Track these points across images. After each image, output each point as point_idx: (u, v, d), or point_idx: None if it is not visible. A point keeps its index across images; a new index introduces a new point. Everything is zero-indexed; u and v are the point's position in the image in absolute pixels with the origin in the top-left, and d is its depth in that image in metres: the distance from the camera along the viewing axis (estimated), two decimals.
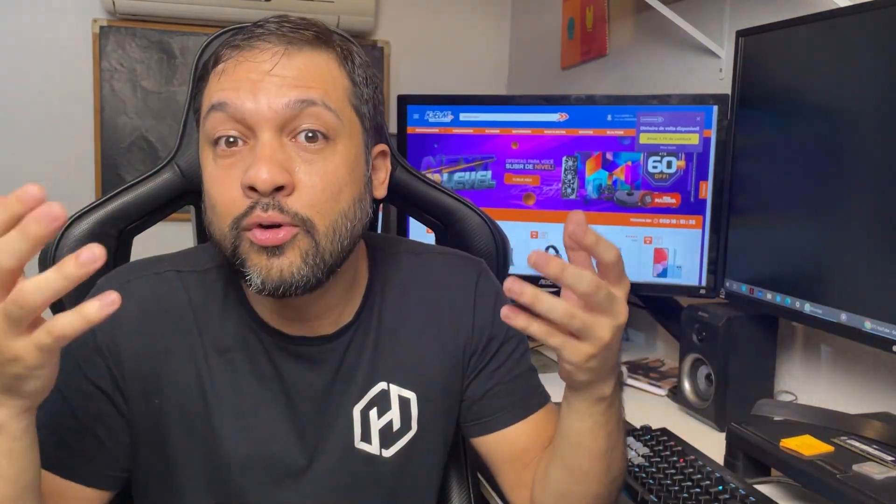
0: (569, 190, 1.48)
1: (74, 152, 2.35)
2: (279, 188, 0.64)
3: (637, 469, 0.97)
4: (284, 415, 0.75)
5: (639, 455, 1.01)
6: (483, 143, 1.52)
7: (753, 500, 0.86)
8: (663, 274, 1.43)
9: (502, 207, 1.52)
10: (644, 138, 1.42)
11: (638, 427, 1.10)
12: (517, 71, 2.68)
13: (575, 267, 0.56)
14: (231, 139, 0.66)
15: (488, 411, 0.82)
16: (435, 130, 1.54)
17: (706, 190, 1.38)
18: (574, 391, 0.67)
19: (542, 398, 0.84)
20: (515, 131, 1.50)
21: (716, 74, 1.54)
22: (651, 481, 0.93)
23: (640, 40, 1.87)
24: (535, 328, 0.57)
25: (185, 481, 0.74)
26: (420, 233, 1.43)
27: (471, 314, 0.82)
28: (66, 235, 0.87)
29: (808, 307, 1.08)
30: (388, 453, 0.78)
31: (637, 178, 1.43)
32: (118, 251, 0.90)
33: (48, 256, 0.85)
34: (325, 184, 0.66)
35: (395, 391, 0.79)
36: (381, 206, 1.47)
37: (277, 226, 0.65)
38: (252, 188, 0.63)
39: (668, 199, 1.41)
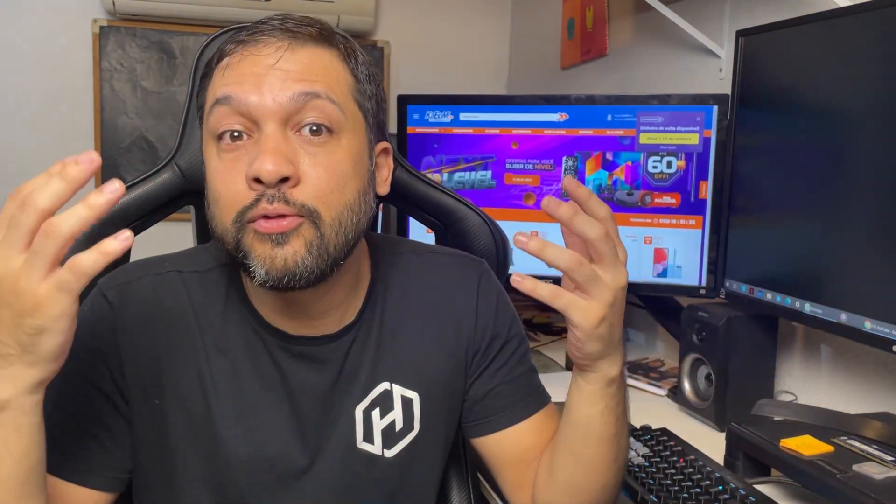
0: None
1: (74, 152, 2.31)
2: (284, 179, 0.64)
3: (637, 469, 0.97)
4: (286, 415, 0.75)
5: (639, 455, 1.01)
6: (483, 143, 1.52)
7: (753, 500, 0.86)
8: (663, 274, 1.43)
9: (502, 207, 1.51)
10: (644, 138, 1.41)
11: (638, 427, 1.10)
12: (517, 71, 2.68)
13: (585, 214, 0.60)
14: (235, 133, 0.66)
15: (490, 411, 0.82)
16: (435, 130, 1.54)
17: (706, 190, 1.38)
18: (584, 373, 0.70)
19: (542, 398, 0.84)
20: (515, 131, 1.50)
21: (716, 74, 1.54)
22: (651, 481, 0.93)
23: (640, 40, 1.87)
24: (542, 290, 0.60)
25: (186, 482, 0.74)
26: (420, 233, 1.43)
27: (473, 314, 0.82)
28: None
29: (808, 307, 1.08)
30: (390, 453, 0.78)
31: (637, 178, 1.43)
32: None
33: None
34: (330, 175, 0.66)
35: (398, 391, 0.78)
36: (381, 206, 1.47)
37: (283, 217, 0.64)
38: (257, 180, 0.63)
39: (668, 199, 1.41)
